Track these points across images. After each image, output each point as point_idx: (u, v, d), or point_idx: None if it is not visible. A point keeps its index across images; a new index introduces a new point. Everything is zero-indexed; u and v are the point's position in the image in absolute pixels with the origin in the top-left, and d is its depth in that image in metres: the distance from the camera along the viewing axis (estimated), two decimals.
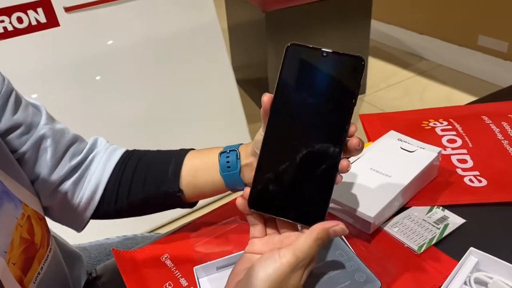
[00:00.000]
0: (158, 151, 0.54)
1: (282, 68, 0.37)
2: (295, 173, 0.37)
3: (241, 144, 0.49)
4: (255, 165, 0.44)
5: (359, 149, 0.37)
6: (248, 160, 0.46)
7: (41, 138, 0.47)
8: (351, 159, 0.41)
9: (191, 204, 0.53)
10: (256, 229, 0.40)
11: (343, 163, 0.37)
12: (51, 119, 0.50)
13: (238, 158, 0.47)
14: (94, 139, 0.54)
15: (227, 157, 0.47)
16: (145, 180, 0.51)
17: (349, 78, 0.37)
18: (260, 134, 0.42)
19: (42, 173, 0.47)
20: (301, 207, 0.37)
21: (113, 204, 0.52)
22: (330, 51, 0.37)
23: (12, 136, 0.45)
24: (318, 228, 0.36)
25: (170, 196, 0.50)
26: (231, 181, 0.48)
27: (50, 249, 0.47)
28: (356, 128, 0.38)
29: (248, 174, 0.47)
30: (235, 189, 0.49)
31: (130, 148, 0.56)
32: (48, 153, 0.47)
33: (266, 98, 0.37)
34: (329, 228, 0.36)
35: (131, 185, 0.51)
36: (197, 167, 0.50)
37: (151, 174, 0.51)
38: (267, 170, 0.38)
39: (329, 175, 0.37)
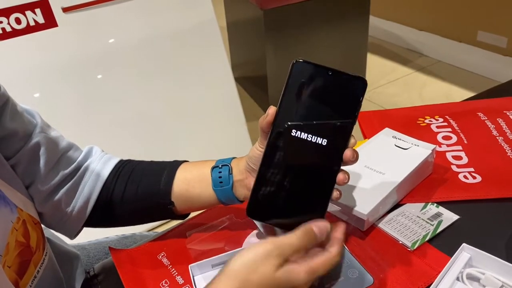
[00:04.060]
0: (152, 162, 0.54)
1: (287, 83, 0.39)
2: (294, 184, 0.39)
3: (234, 158, 0.49)
4: (247, 181, 0.46)
5: (354, 160, 0.39)
6: (241, 176, 0.47)
7: (35, 146, 0.47)
8: None
9: (183, 216, 0.54)
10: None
11: (339, 176, 0.39)
12: (46, 127, 0.50)
13: (230, 173, 0.47)
14: (89, 148, 0.54)
15: (219, 172, 0.48)
16: (137, 191, 0.51)
17: (351, 98, 0.38)
18: (256, 149, 0.43)
19: (35, 180, 0.47)
20: (298, 217, 0.39)
21: (105, 214, 0.52)
22: (335, 70, 0.38)
23: (7, 143, 0.45)
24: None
25: (162, 207, 0.51)
26: (224, 196, 0.48)
27: (46, 253, 0.47)
28: (356, 141, 0.40)
29: (241, 190, 0.47)
30: (227, 204, 0.50)
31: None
32: (42, 161, 0.47)
33: (272, 110, 0.39)
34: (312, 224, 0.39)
35: (123, 196, 0.51)
36: (189, 180, 0.50)
37: (143, 185, 0.51)
38: (266, 180, 0.39)
39: (326, 188, 0.39)
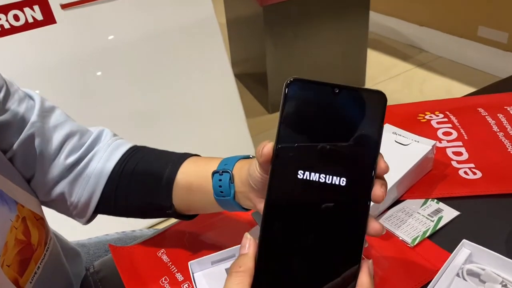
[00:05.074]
0: (158, 155, 0.50)
1: (283, 110, 0.30)
2: (312, 247, 0.29)
3: (239, 159, 0.43)
4: (251, 195, 0.39)
5: (384, 197, 0.30)
6: (243, 188, 0.40)
7: (30, 137, 0.45)
8: None
9: (190, 216, 0.50)
10: None
11: (374, 225, 0.30)
12: (45, 113, 0.47)
13: (232, 182, 0.41)
14: (98, 132, 0.51)
15: (220, 180, 0.42)
16: (141, 188, 0.49)
17: (369, 120, 0.29)
18: (256, 170, 0.36)
19: (35, 173, 0.46)
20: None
21: (112, 206, 0.50)
22: (342, 86, 0.29)
23: (1, 135, 0.43)
24: None
25: (163, 209, 0.48)
26: (226, 206, 0.43)
27: (48, 248, 0.46)
28: (387, 166, 0.30)
29: (244, 201, 0.42)
30: (232, 211, 0.45)
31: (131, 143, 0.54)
32: (39, 153, 0.45)
33: (267, 149, 0.30)
34: None
35: (128, 191, 0.49)
36: (191, 184, 0.46)
37: (146, 182, 0.48)
38: (274, 248, 0.29)
39: (355, 243, 0.29)
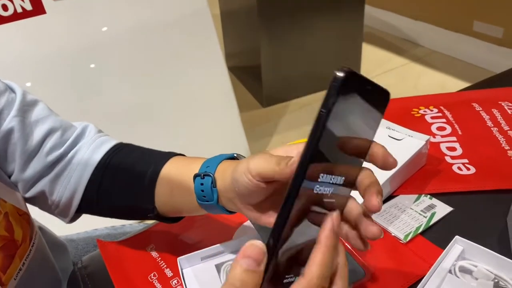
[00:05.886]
0: (141, 155, 0.49)
1: (331, 109, 0.24)
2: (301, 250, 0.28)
3: (222, 160, 0.40)
4: (235, 200, 0.37)
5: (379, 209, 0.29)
6: (227, 194, 0.38)
7: (9, 133, 0.43)
8: None
9: (174, 219, 0.48)
10: None
11: (372, 229, 0.29)
12: (26, 107, 0.45)
13: (214, 186, 0.39)
14: (83, 127, 0.50)
15: (201, 184, 0.39)
16: (123, 189, 0.47)
17: (374, 117, 0.28)
18: (244, 175, 0.33)
19: (15, 169, 0.45)
20: None
21: (94, 206, 0.49)
22: (369, 80, 0.27)
23: None
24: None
25: (145, 212, 0.46)
26: (210, 209, 0.41)
27: (33, 244, 0.45)
28: (396, 162, 0.30)
29: (228, 205, 0.39)
30: (217, 213, 0.43)
31: (120, 140, 0.52)
32: (18, 148, 0.44)
33: (291, 166, 0.29)
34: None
35: (110, 191, 0.47)
36: (172, 187, 0.43)
37: (128, 184, 0.47)
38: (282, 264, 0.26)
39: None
